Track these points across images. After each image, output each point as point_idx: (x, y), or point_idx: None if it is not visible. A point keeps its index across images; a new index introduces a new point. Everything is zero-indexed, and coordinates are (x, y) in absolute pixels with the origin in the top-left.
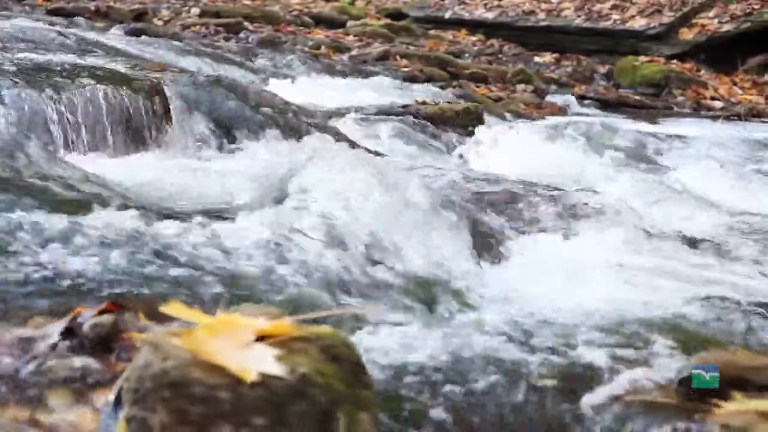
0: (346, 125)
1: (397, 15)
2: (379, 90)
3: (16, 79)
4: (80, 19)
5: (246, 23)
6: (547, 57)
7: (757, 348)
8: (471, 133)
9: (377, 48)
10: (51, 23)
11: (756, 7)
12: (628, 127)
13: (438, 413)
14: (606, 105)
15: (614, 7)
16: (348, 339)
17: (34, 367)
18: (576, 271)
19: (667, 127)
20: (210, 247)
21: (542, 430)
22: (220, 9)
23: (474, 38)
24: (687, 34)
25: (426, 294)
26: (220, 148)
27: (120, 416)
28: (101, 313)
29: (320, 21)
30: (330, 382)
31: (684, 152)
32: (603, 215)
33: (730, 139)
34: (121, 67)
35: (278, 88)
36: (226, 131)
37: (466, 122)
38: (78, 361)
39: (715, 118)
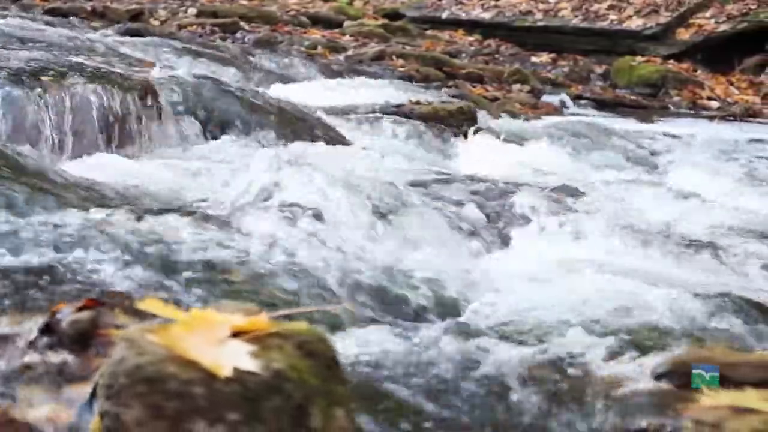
0: (338, 124)
1: (394, 15)
2: (374, 90)
3: (5, 78)
4: (76, 19)
5: (242, 23)
6: (544, 57)
7: (735, 344)
8: (464, 133)
9: (373, 48)
10: (47, 23)
11: (752, 7)
12: (623, 126)
13: (416, 409)
14: (602, 105)
15: (611, 7)
16: (324, 335)
17: (11, 364)
18: (561, 269)
19: (663, 126)
20: (191, 245)
21: (520, 425)
22: (217, 9)
23: (471, 38)
24: (684, 35)
25: (409, 291)
26: (210, 147)
27: (95, 411)
28: (80, 309)
29: (317, 21)
30: (304, 378)
31: (678, 152)
32: (592, 214)
33: (725, 139)
34: (112, 66)
35: (273, 87)
36: (218, 131)
37: (459, 122)
38: (56, 357)
39: (711, 118)
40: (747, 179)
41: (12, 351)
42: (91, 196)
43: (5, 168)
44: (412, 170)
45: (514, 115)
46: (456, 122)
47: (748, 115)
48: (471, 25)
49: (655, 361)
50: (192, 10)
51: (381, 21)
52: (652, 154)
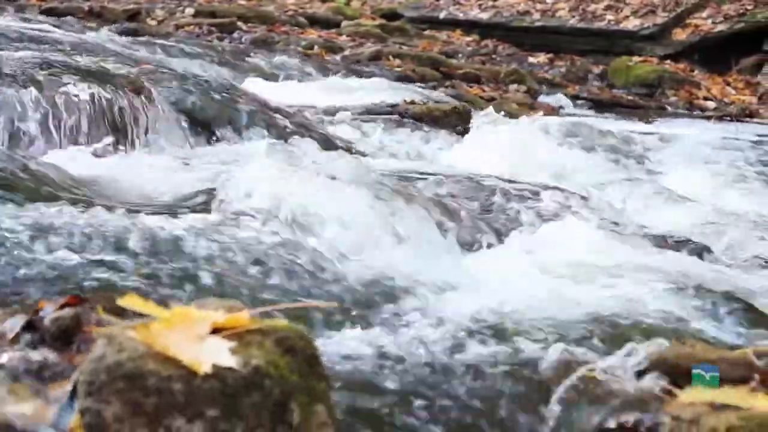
0: (332, 124)
1: (392, 15)
2: (370, 90)
3: None
4: (72, 19)
5: (240, 23)
6: (541, 57)
7: (716, 341)
8: (458, 133)
9: (370, 48)
10: (43, 23)
11: (749, 7)
12: (618, 126)
13: (396, 406)
14: (599, 105)
15: (608, 7)
16: (304, 332)
17: None
18: (548, 267)
19: (659, 127)
20: (176, 242)
21: (497, 422)
22: (214, 9)
23: (468, 39)
24: (680, 35)
25: (393, 289)
26: (201, 146)
27: (75, 408)
28: (63, 306)
29: (315, 21)
30: (284, 374)
31: (672, 152)
32: (583, 213)
33: (720, 139)
34: (106, 65)
35: (268, 87)
36: (210, 130)
37: (453, 122)
38: (37, 355)
39: (707, 118)
40: (740, 179)
41: None
42: (78, 193)
43: None
44: (403, 169)
45: (510, 115)
46: (450, 122)
47: (745, 115)
48: (469, 26)
49: (635, 358)
50: (189, 10)
51: (378, 21)
52: (647, 153)
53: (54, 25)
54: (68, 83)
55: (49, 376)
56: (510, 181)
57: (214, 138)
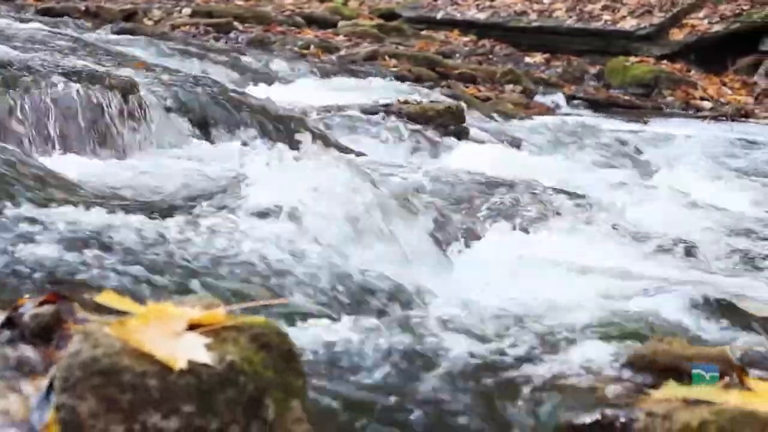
0: (324, 124)
1: (389, 15)
2: (365, 90)
3: None
4: (69, 19)
5: (236, 23)
6: (538, 57)
7: (696, 339)
8: (451, 132)
9: (366, 48)
10: (39, 23)
11: (745, 7)
12: (614, 126)
13: (373, 403)
14: (595, 105)
15: (605, 7)
16: (280, 328)
17: None
18: (533, 266)
19: (654, 126)
20: (162, 242)
21: (474, 418)
22: (211, 9)
23: (466, 39)
24: (677, 35)
25: (374, 287)
26: (193, 147)
27: (52, 404)
28: (42, 303)
29: (313, 21)
30: (259, 370)
31: (666, 151)
32: (573, 212)
33: (715, 139)
34: (99, 66)
35: (262, 87)
36: (203, 131)
37: (447, 121)
38: (16, 351)
39: (703, 118)
40: (732, 179)
41: None
42: (65, 193)
43: None
44: (394, 168)
45: (505, 115)
46: (444, 121)
47: (740, 115)
48: (466, 26)
49: (614, 354)
50: (187, 10)
51: (376, 21)
52: (641, 153)
53: (49, 25)
54: (59, 83)
55: (28, 372)
56: (500, 181)
57: (209, 138)
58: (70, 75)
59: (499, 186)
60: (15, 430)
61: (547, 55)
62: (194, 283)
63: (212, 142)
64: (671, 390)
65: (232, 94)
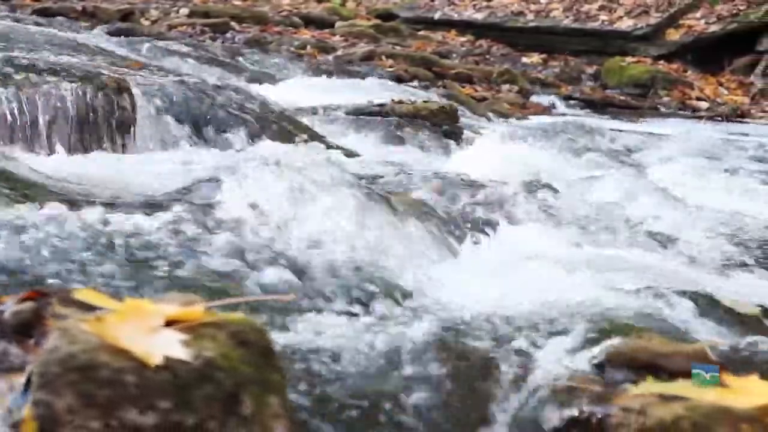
0: (317, 124)
1: (387, 16)
2: (360, 90)
3: None
4: (65, 19)
5: (233, 23)
6: (535, 58)
7: (677, 336)
8: (445, 132)
9: (362, 48)
10: (35, 23)
11: (742, 8)
12: (609, 126)
13: (357, 399)
14: (592, 105)
15: (602, 8)
16: (258, 324)
17: None
18: (519, 264)
19: (649, 126)
20: (144, 240)
21: (454, 414)
22: (209, 9)
23: (463, 39)
24: (674, 35)
25: (362, 284)
26: (184, 146)
27: (29, 400)
28: (23, 300)
29: (310, 22)
30: (236, 366)
31: (660, 151)
32: (561, 211)
33: (709, 139)
34: (91, 65)
35: (256, 87)
36: (194, 130)
37: (440, 121)
38: None
39: (698, 118)
40: (723, 177)
41: None
42: (52, 192)
43: None
44: (384, 167)
45: (501, 114)
46: (437, 121)
47: (737, 115)
48: (463, 26)
49: (593, 351)
50: (184, 11)
51: (373, 21)
52: (635, 152)
53: (44, 25)
54: (49, 82)
55: (8, 369)
56: (491, 180)
57: (200, 138)
58: (61, 74)
59: (491, 184)
60: None
61: (544, 56)
62: (173, 281)
63: (203, 142)
64: (648, 386)
65: (225, 94)
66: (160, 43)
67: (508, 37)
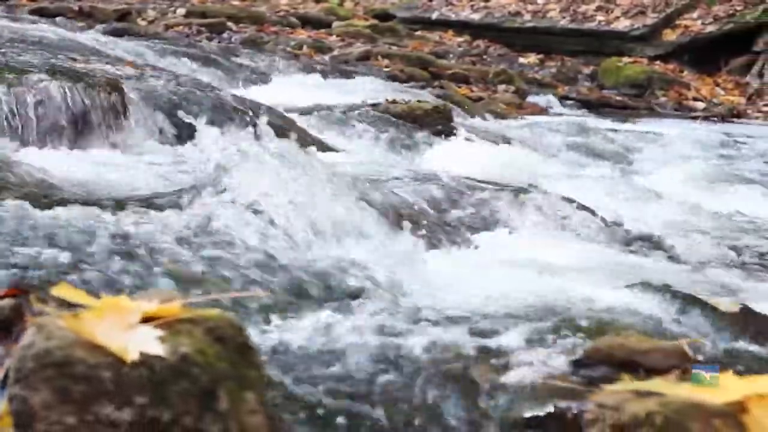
0: (311, 123)
1: (384, 16)
2: (356, 89)
3: None
4: (61, 19)
5: (230, 23)
6: (532, 58)
7: (656, 333)
8: (439, 132)
9: (359, 48)
10: (31, 22)
11: (739, 8)
12: (605, 126)
13: (334, 395)
14: (588, 105)
15: (599, 8)
16: (235, 321)
17: None
18: (503, 263)
19: (645, 126)
20: (127, 237)
21: (432, 412)
22: (206, 9)
23: (460, 39)
24: (670, 35)
25: (344, 282)
26: (175, 145)
27: (5, 396)
28: (3, 297)
29: (307, 22)
30: (212, 362)
31: (655, 151)
32: (552, 211)
33: (704, 139)
34: (85, 65)
35: (252, 87)
36: (186, 129)
37: (434, 121)
38: None
39: (694, 118)
40: (717, 177)
41: None
42: (43, 190)
43: None
44: (376, 167)
45: (496, 114)
46: (431, 121)
47: (733, 115)
48: (460, 26)
49: (572, 349)
50: (181, 11)
51: (370, 21)
52: (630, 152)
53: (40, 25)
54: (43, 81)
55: None
56: (482, 180)
57: (192, 136)
58: (55, 73)
59: (481, 185)
60: None
61: (541, 56)
62: (153, 277)
63: (194, 141)
64: (624, 384)
65: (218, 93)
66: (157, 43)
67: (505, 37)
